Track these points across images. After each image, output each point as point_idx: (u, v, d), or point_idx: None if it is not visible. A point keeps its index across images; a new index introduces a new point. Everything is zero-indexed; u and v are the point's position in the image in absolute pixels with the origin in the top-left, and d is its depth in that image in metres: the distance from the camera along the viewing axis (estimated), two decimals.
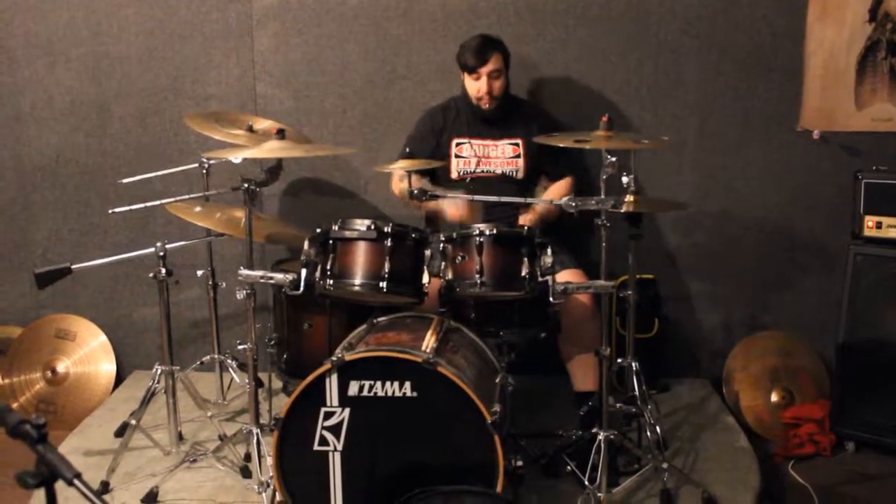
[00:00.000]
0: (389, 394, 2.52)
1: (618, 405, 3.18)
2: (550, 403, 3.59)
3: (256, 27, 3.87)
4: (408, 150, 2.94)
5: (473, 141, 3.54)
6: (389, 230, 2.78)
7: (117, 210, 3.10)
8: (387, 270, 2.76)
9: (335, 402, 2.54)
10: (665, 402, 3.79)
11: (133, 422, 3.15)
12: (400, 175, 3.52)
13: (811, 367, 3.85)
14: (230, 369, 3.70)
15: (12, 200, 4.04)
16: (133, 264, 3.87)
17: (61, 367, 3.98)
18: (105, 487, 3.06)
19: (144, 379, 3.49)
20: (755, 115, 3.85)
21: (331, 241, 2.82)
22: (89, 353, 4.04)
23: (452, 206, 3.37)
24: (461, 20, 3.82)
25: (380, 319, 2.95)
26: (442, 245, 2.87)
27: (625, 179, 2.97)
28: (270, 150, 2.82)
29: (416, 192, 2.80)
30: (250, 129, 3.43)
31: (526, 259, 2.81)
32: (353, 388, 2.53)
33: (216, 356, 3.68)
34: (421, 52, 3.86)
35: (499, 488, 2.49)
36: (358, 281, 2.78)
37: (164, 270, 3.13)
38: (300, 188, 4.00)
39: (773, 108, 3.83)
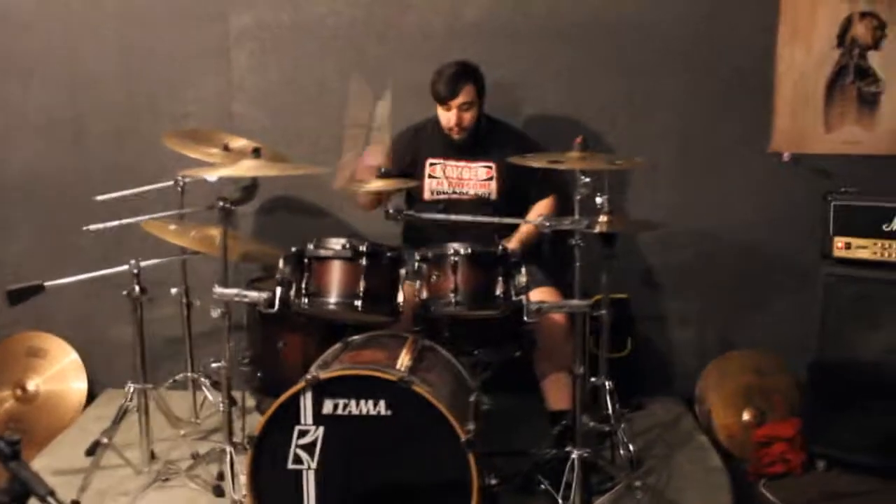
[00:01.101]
0: (364, 412, 2.52)
1: (591, 424, 3.21)
2: (525, 422, 3.58)
3: (234, 46, 3.89)
4: (383, 169, 2.95)
5: (447, 162, 3.56)
6: (365, 249, 2.80)
7: (92, 227, 3.08)
8: (362, 289, 2.77)
9: (309, 420, 2.53)
10: (639, 420, 3.82)
11: (105, 440, 3.12)
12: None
13: (783, 386, 3.88)
14: (203, 388, 3.68)
15: None
16: (107, 282, 3.80)
17: (32, 386, 3.95)
18: None
19: (116, 397, 3.46)
20: (729, 137, 3.91)
21: (306, 260, 2.83)
22: (60, 372, 4.01)
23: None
24: (438, 41, 3.86)
25: (354, 338, 2.96)
26: (417, 264, 2.89)
27: (599, 200, 3.02)
28: (247, 168, 2.83)
29: (391, 211, 2.82)
30: (226, 148, 3.44)
31: (501, 278, 2.83)
32: (328, 407, 2.53)
33: (189, 374, 3.66)
34: (398, 73, 3.87)
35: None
36: (333, 300, 2.79)
37: (137, 288, 3.13)
38: (275, 207, 4.01)
39: (745, 129, 3.90)
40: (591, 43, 3.87)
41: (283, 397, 2.53)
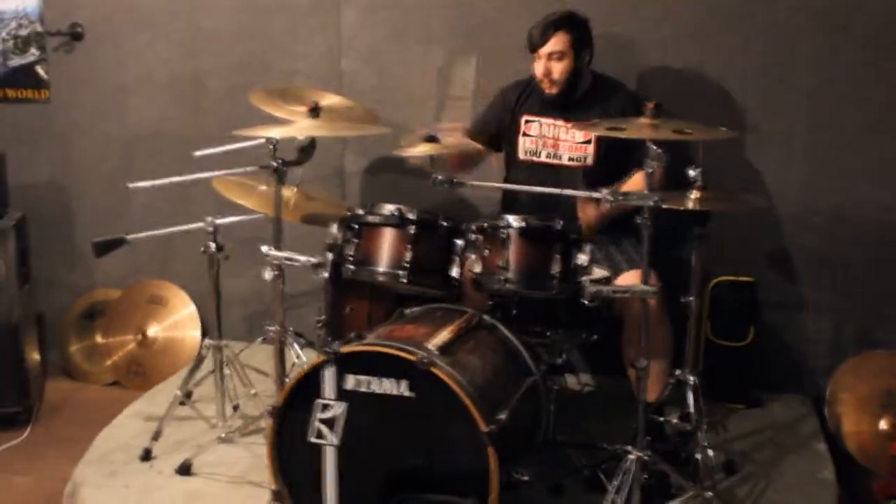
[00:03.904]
0: (386, 391, 2.39)
1: (674, 421, 2.92)
2: (620, 408, 3.32)
3: (344, 2, 3.81)
4: (427, 133, 2.77)
5: (543, 120, 3.31)
6: (414, 217, 2.65)
7: (137, 185, 3.12)
8: (408, 259, 2.63)
9: (331, 394, 2.44)
10: (753, 418, 3.46)
11: (178, 392, 3.20)
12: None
13: None
14: (294, 345, 3.67)
15: (116, 169, 4.20)
16: (225, 235, 3.92)
17: (151, 332, 4.13)
18: (147, 454, 3.13)
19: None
20: (878, 103, 3.39)
21: (356, 226, 2.72)
22: (178, 320, 4.16)
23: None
24: None
25: (412, 309, 2.83)
26: (473, 235, 2.70)
27: (691, 173, 2.69)
28: (300, 129, 2.75)
29: (440, 178, 2.64)
30: (316, 106, 3.35)
31: (558, 256, 2.59)
32: (350, 382, 2.41)
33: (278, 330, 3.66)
34: (506, 29, 3.65)
35: (492, 501, 2.30)
36: (378, 268, 2.68)
37: (213, 245, 3.15)
38: (381, 167, 3.93)
39: (894, 95, 3.36)
40: None
41: (304, 369, 2.45)
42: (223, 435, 3.18)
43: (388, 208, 2.68)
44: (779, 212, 3.54)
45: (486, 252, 2.64)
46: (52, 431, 3.70)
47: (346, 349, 2.40)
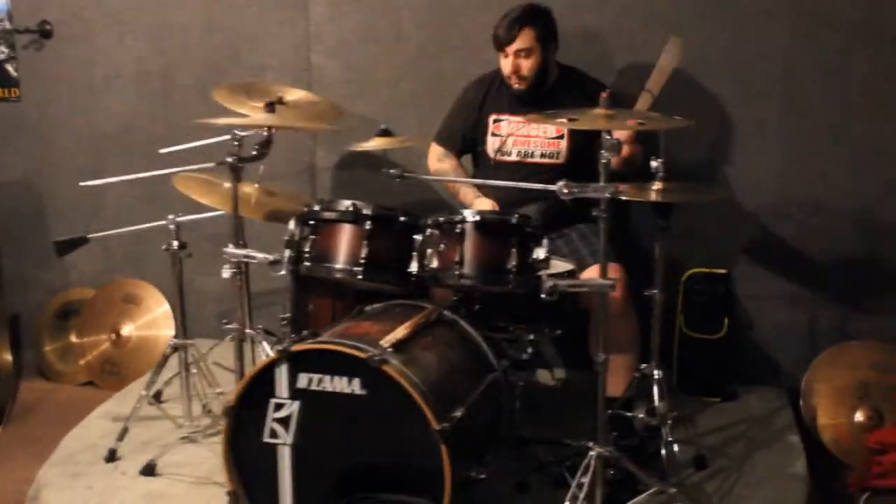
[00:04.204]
0: (339, 389, 2.35)
1: (641, 416, 2.88)
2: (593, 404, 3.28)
3: None
4: (382, 126, 2.74)
5: (512, 118, 3.27)
6: (370, 213, 2.61)
7: (87, 183, 3.09)
8: (364, 256, 2.60)
9: (285, 393, 2.40)
10: (727, 411, 3.42)
11: (143, 392, 3.17)
12: (437, 156, 3.37)
13: None
14: (263, 343, 3.63)
15: (87, 167, 4.15)
16: (196, 233, 3.88)
17: (126, 331, 4.10)
18: (112, 455, 3.10)
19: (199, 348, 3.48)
20: (853, 91, 3.35)
21: (313, 222, 2.68)
22: (152, 319, 4.13)
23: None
24: None
25: (374, 306, 2.79)
26: (430, 230, 2.66)
27: (653, 164, 2.66)
28: (254, 122, 2.72)
29: (392, 171, 2.61)
30: (280, 101, 3.31)
31: (514, 250, 2.55)
32: (303, 381, 2.38)
33: (247, 330, 3.63)
34: (475, 21, 3.61)
35: (446, 500, 2.27)
36: (334, 265, 2.65)
37: (176, 244, 3.12)
38: (352, 163, 3.88)
39: (875, 82, 3.32)
40: None
41: (257, 367, 2.42)
42: (189, 435, 3.14)
43: (344, 204, 2.64)
44: (753, 203, 3.51)
45: (443, 247, 2.60)
46: (24, 432, 3.68)
47: (298, 347, 2.36)
